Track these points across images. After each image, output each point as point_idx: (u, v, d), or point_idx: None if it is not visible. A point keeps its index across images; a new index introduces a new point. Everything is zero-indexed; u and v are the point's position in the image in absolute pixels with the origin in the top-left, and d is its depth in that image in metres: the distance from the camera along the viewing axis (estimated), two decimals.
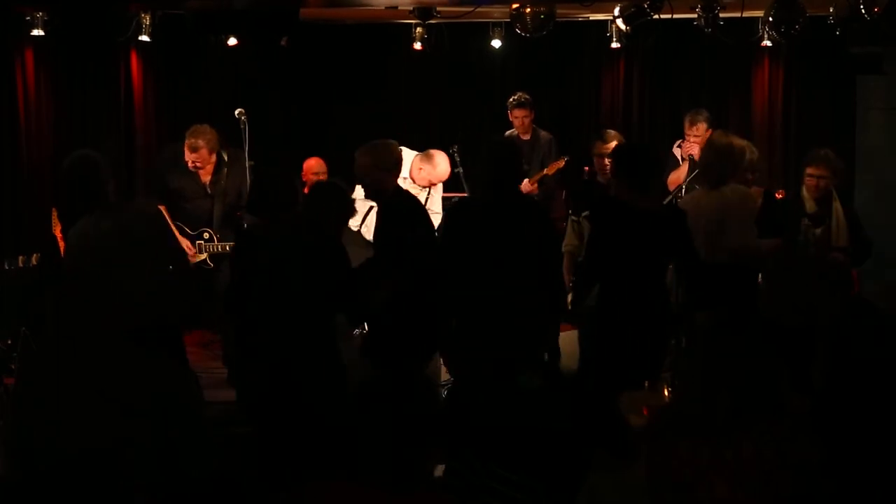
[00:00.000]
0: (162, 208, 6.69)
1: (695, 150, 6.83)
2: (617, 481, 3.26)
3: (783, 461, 2.66)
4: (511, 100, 7.95)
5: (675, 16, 6.86)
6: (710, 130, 7.53)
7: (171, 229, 6.60)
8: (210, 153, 6.59)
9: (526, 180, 7.36)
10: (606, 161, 6.22)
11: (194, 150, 6.55)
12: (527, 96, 7.90)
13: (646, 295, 4.84)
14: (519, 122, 7.90)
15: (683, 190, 6.51)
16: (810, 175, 5.70)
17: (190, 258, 6.68)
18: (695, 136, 7.19)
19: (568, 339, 5.54)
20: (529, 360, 3.34)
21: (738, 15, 7.02)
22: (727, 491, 2.67)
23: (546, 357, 4.60)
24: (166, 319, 4.77)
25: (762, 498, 2.66)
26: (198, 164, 6.58)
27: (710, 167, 5.59)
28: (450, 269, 4.99)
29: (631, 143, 6.99)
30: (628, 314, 4.81)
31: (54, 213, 6.73)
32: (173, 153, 6.78)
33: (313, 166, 7.51)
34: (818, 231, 5.61)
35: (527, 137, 7.91)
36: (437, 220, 6.45)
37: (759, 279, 5.84)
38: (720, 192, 5.46)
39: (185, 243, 6.68)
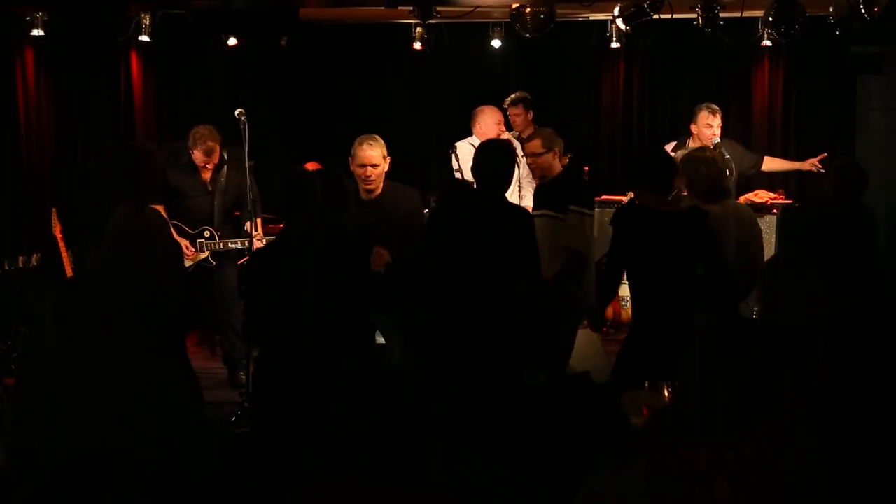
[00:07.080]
0: (160, 208, 6.68)
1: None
2: (617, 481, 3.25)
3: (783, 461, 2.66)
4: (506, 101, 7.93)
5: (675, 16, 6.86)
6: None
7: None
8: (220, 151, 6.64)
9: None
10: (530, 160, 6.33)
11: (210, 153, 6.58)
12: (520, 95, 7.86)
13: (674, 297, 4.82)
14: (516, 119, 7.89)
15: None
16: None
17: (190, 257, 6.67)
18: (718, 125, 7.30)
19: (581, 340, 5.51)
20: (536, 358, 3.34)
21: (738, 15, 7.02)
22: (727, 491, 2.67)
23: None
24: (172, 321, 4.77)
25: (762, 498, 2.66)
26: (209, 165, 6.62)
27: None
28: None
29: (646, 148, 7.03)
30: (658, 317, 4.81)
31: (54, 213, 6.74)
32: (173, 151, 6.77)
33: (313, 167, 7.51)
34: None
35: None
36: None
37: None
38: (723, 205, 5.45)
39: (183, 243, 6.67)
